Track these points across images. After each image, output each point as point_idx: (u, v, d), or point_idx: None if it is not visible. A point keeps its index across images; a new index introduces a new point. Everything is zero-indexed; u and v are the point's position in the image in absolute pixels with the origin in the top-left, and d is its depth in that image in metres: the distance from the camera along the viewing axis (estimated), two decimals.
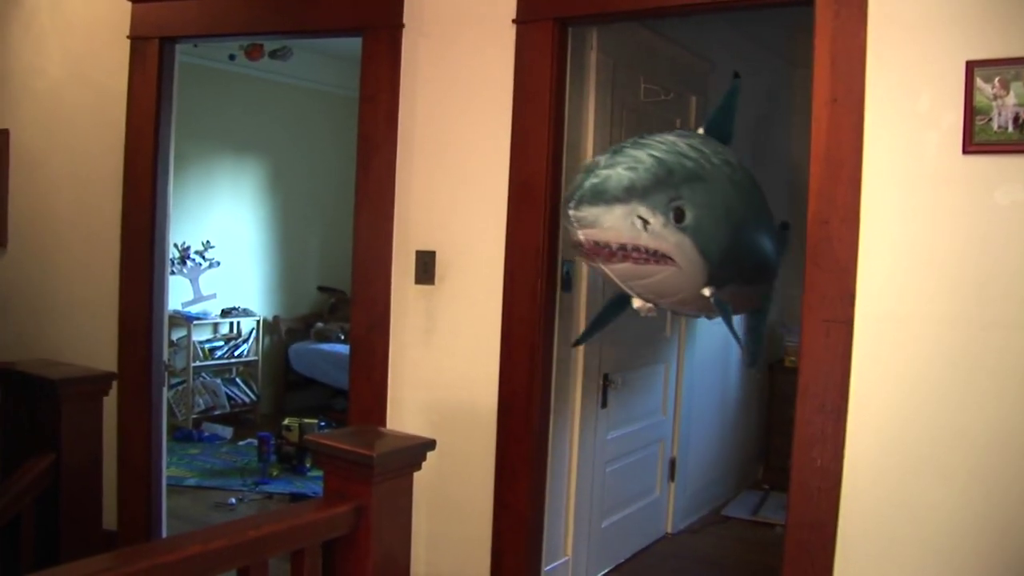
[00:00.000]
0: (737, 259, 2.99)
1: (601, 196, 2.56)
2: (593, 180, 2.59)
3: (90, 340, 4.34)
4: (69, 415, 3.16)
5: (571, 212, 2.58)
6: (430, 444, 2.49)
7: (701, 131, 3.17)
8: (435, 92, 3.63)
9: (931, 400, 2.73)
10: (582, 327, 4.05)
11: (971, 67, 2.64)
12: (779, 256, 3.89)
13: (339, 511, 2.34)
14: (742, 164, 3.16)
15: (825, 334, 2.86)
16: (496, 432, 3.51)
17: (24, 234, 4.62)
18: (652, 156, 2.68)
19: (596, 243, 2.62)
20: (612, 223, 2.58)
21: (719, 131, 3.20)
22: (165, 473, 4.38)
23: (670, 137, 2.87)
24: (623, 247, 2.63)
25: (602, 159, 2.67)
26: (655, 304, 3.02)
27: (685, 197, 2.69)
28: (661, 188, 2.64)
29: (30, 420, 3.23)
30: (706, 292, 2.89)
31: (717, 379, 5.65)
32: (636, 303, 3.01)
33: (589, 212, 2.56)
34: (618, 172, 2.60)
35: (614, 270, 2.72)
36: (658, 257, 2.68)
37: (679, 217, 2.67)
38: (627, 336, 4.42)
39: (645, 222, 2.60)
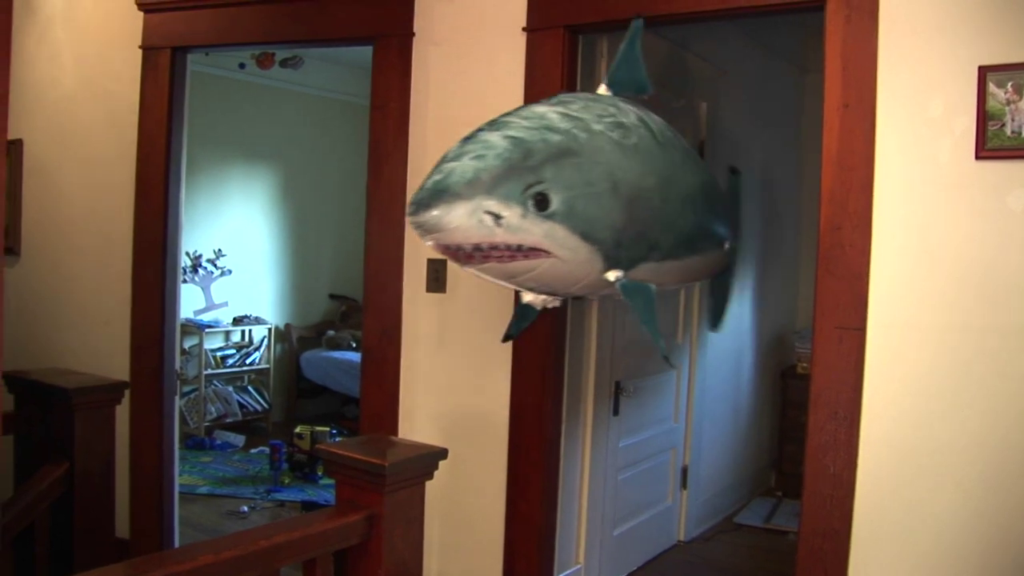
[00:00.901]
0: (645, 234, 2.57)
1: (440, 196, 2.24)
2: (435, 177, 2.28)
3: (102, 348, 4.35)
4: (82, 424, 3.17)
5: (410, 219, 2.28)
6: (442, 453, 2.49)
7: (603, 89, 2.79)
8: (446, 100, 3.63)
9: (945, 407, 2.72)
10: (594, 334, 4.05)
11: (984, 72, 2.63)
12: (734, 211, 3.44)
13: (351, 520, 2.34)
14: (648, 121, 2.67)
15: (838, 341, 2.85)
16: (508, 440, 3.51)
17: (37, 242, 4.64)
18: (508, 137, 2.35)
19: (447, 247, 2.33)
20: (456, 223, 2.25)
21: (628, 83, 2.81)
22: (177, 481, 4.38)
23: (540, 108, 2.50)
24: (478, 247, 2.32)
25: (452, 150, 2.37)
26: (555, 294, 2.70)
27: (549, 180, 2.33)
28: (515, 175, 2.30)
29: (43, 428, 3.24)
30: (610, 277, 2.53)
31: (729, 386, 5.64)
32: (527, 297, 2.68)
33: (428, 216, 2.24)
34: (463, 164, 2.28)
35: (483, 271, 2.42)
36: (525, 251, 2.35)
37: (542, 204, 2.32)
38: (639, 343, 4.42)
39: (497, 217, 2.27)
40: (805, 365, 5.95)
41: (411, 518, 2.45)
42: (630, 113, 2.62)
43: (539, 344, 3.44)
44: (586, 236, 2.40)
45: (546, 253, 2.36)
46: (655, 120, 2.71)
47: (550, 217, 2.33)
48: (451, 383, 3.64)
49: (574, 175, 2.38)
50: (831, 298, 2.86)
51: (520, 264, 2.38)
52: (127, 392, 3.59)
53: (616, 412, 4.27)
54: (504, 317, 3.47)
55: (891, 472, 2.79)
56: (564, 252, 2.38)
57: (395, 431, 3.67)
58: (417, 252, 3.64)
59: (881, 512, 2.80)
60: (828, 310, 2.86)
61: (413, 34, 3.64)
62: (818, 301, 2.88)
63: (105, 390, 3.32)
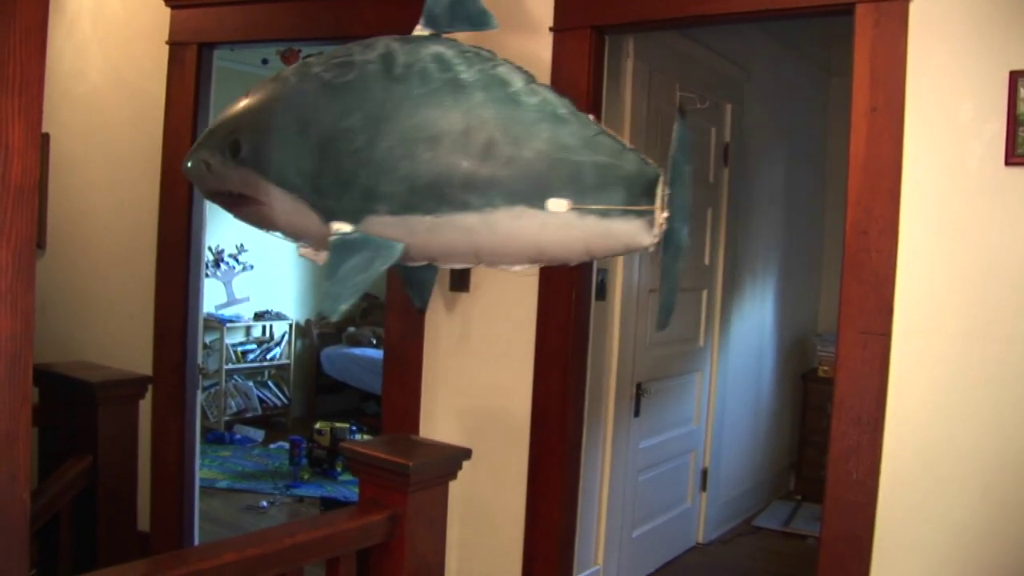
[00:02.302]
0: (351, 181, 2.29)
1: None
2: None
3: (126, 342, 4.38)
4: (106, 418, 3.19)
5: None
6: (466, 453, 2.49)
7: (419, 28, 2.52)
8: None
9: (970, 414, 2.70)
10: (616, 335, 4.04)
11: (1015, 77, 2.62)
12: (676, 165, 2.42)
13: (374, 519, 2.34)
14: (395, 54, 2.38)
15: (862, 346, 2.84)
16: (529, 440, 3.51)
17: (63, 237, 4.67)
18: (249, 96, 2.53)
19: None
20: (188, 172, 2.61)
21: (453, 17, 2.53)
22: (198, 475, 4.40)
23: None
24: (209, 193, 2.64)
25: None
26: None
27: (244, 128, 2.43)
28: (226, 127, 2.49)
29: (67, 422, 3.26)
30: (333, 227, 2.34)
31: (750, 389, 5.62)
32: (301, 250, 2.60)
33: (182, 169, 2.65)
34: None
35: (238, 218, 2.65)
36: (235, 197, 2.50)
37: (235, 151, 2.43)
38: (660, 345, 4.41)
39: (207, 165, 2.51)
40: (826, 368, 5.92)
41: (434, 518, 2.45)
42: (374, 50, 2.40)
43: (561, 345, 3.44)
44: (278, 182, 2.37)
45: (251, 199, 2.43)
46: (420, 54, 2.38)
47: (242, 163, 2.40)
48: (473, 383, 3.64)
49: (265, 121, 2.40)
50: (856, 303, 2.85)
51: (247, 211, 2.52)
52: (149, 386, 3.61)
53: (637, 413, 4.26)
54: (529, 317, 3.47)
55: (915, 479, 2.77)
56: (265, 198, 2.40)
57: (416, 430, 3.67)
58: None
59: (904, 519, 2.79)
60: (853, 315, 2.85)
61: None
62: (843, 306, 2.87)
63: (129, 384, 3.34)
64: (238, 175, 2.42)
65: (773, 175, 5.63)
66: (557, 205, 2.22)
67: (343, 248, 2.31)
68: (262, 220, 2.52)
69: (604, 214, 2.22)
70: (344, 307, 2.29)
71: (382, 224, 2.30)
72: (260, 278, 7.94)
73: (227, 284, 7.68)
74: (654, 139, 4.06)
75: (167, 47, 4.23)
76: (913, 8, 2.77)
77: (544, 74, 3.44)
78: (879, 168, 2.80)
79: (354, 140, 2.28)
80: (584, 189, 2.22)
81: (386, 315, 3.81)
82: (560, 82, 3.41)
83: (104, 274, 4.54)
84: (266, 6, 4.02)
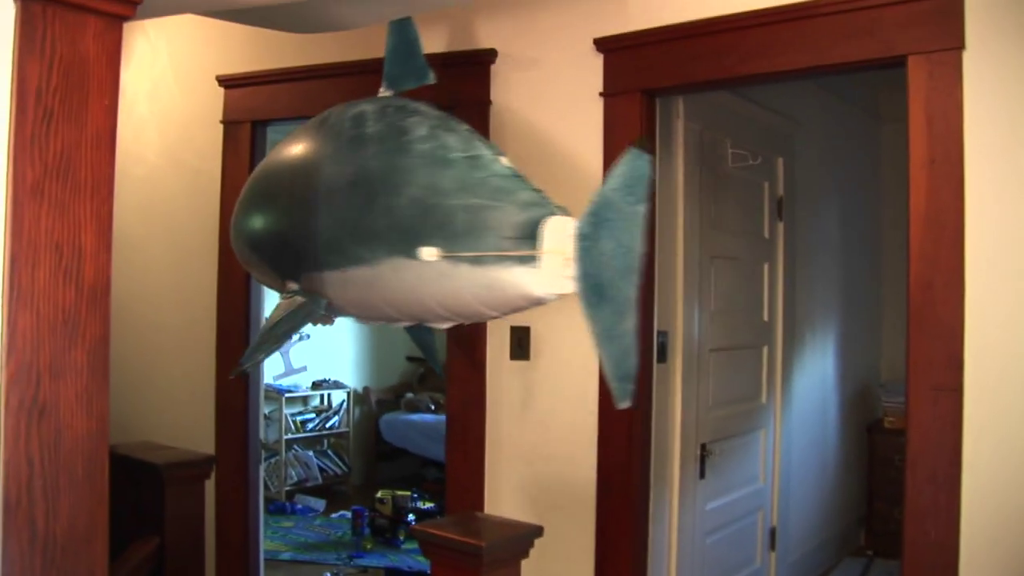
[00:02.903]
0: (284, 239, 2.40)
1: None
2: None
3: (188, 418, 4.40)
4: (173, 499, 3.21)
5: None
6: (537, 531, 2.46)
7: (383, 90, 2.56)
8: (522, 167, 3.62)
9: None
10: (679, 397, 3.99)
11: None
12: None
13: None
14: (327, 118, 2.47)
15: (933, 402, 2.77)
16: (595, 509, 3.46)
17: (124, 316, 4.72)
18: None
19: None
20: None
21: (405, 77, 2.57)
22: (263, 550, 4.39)
23: None
24: (238, 258, 2.80)
25: None
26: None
27: (241, 195, 2.70)
28: (239, 196, 2.71)
29: (133, 503, 3.27)
30: (288, 285, 2.44)
31: (815, 443, 5.52)
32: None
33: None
34: None
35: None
36: (246, 261, 2.74)
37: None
38: (723, 405, 4.36)
39: (232, 232, 2.73)
40: (891, 419, 5.81)
41: None
42: (319, 116, 2.52)
43: (625, 410, 3.39)
44: (250, 245, 2.61)
45: (248, 262, 2.68)
46: (346, 114, 2.43)
47: (238, 229, 2.66)
48: (536, 451, 3.61)
49: (246, 187, 2.67)
50: (925, 358, 2.79)
51: (252, 273, 2.81)
52: None
53: (702, 475, 4.19)
54: (590, 383, 3.44)
55: (997, 540, 2.69)
56: (251, 260, 2.65)
57: (481, 500, 3.64)
58: (499, 319, 3.63)
59: None
60: (922, 370, 2.79)
61: (491, 103, 3.66)
62: (911, 361, 2.81)
63: (195, 465, 3.36)
64: (238, 239, 2.67)
65: (827, 224, 5.58)
66: (428, 254, 2.06)
67: (283, 304, 2.45)
68: (260, 280, 2.82)
69: (476, 261, 2.02)
70: (263, 358, 2.53)
71: (310, 281, 2.37)
72: (316, 347, 7.97)
73: (284, 354, 7.71)
74: (708, 197, 4.05)
75: (221, 126, 4.31)
76: (966, 57, 2.74)
77: (596, 138, 3.46)
78: (941, 220, 2.76)
79: (279, 197, 2.46)
80: (454, 235, 2.05)
81: (447, 384, 3.80)
82: (612, 145, 3.42)
83: (166, 351, 4.58)
84: (316, 82, 4.08)
